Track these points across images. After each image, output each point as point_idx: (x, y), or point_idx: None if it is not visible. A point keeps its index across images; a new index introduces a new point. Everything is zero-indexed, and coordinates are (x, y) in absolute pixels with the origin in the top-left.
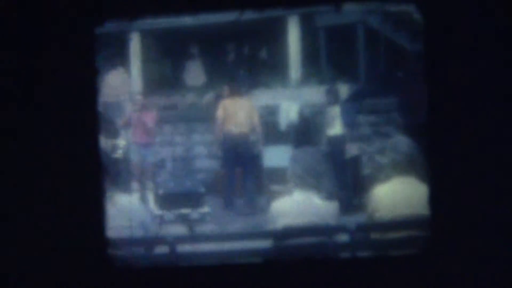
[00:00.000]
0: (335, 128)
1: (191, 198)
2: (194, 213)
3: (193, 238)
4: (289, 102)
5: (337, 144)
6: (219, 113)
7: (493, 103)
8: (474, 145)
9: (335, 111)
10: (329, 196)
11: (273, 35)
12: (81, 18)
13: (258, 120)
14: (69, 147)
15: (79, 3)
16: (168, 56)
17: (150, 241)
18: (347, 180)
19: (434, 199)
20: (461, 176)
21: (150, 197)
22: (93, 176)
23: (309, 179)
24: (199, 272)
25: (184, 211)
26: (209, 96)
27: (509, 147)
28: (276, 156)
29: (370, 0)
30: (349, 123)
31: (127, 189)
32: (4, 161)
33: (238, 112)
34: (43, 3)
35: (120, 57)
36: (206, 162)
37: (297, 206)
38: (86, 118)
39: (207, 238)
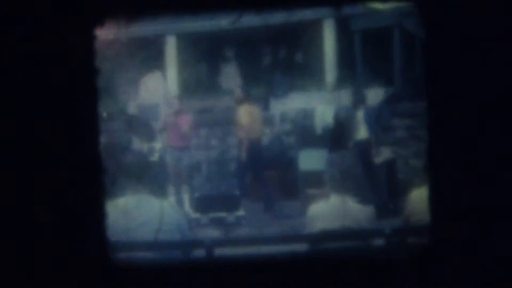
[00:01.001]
0: (361, 132)
1: (226, 201)
2: (229, 217)
3: (230, 241)
4: (325, 106)
5: (364, 148)
6: (247, 118)
7: (495, 104)
8: (475, 146)
9: (361, 115)
10: (365, 200)
11: (309, 39)
12: (81, 18)
13: None
14: (69, 148)
15: (78, 2)
16: (204, 59)
17: (187, 244)
18: (380, 184)
19: (435, 201)
20: (461, 177)
21: (186, 200)
22: (93, 176)
23: (346, 183)
24: (210, 271)
25: (220, 214)
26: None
27: (510, 147)
28: (311, 160)
29: (370, 0)
30: (384, 127)
31: (163, 193)
32: (4, 161)
33: (259, 116)
34: (42, 3)
35: (156, 60)
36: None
37: (334, 210)
38: (86, 119)
39: (244, 241)
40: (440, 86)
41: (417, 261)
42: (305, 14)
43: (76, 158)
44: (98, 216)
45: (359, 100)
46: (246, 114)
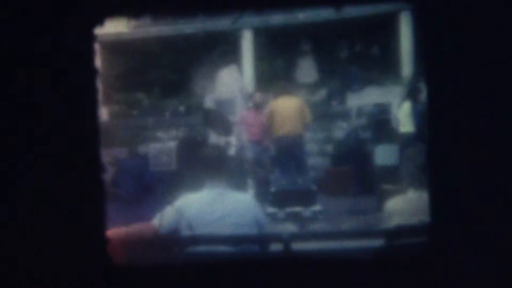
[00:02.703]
0: (407, 125)
1: (303, 196)
2: (306, 211)
3: (308, 236)
4: (401, 100)
5: (407, 142)
6: (268, 118)
7: (495, 105)
8: (476, 147)
9: (409, 108)
10: None
11: (385, 32)
12: (80, 17)
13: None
14: (69, 148)
15: (78, 2)
16: (280, 53)
17: (265, 239)
18: None
19: (435, 203)
20: (462, 179)
21: (263, 195)
22: (93, 175)
23: (422, 177)
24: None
25: (296, 209)
26: (321, 93)
27: (510, 149)
28: (387, 155)
29: (370, 1)
30: None
31: (242, 187)
32: (4, 161)
33: (290, 113)
34: (42, 3)
35: (233, 54)
36: (318, 160)
37: (411, 204)
38: (86, 118)
39: (321, 236)
40: (441, 86)
41: (417, 261)
42: (382, 7)
43: (76, 157)
44: (98, 216)
45: (410, 93)
46: (268, 113)
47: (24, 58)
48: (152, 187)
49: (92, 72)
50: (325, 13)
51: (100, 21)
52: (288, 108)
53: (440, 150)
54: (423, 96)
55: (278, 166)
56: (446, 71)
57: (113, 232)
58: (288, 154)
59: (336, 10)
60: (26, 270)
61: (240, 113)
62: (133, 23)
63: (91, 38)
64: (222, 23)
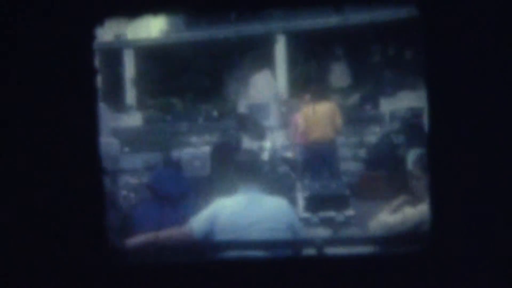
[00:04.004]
0: None
1: (336, 201)
2: (339, 216)
3: (341, 240)
4: None
5: None
6: (302, 121)
7: (496, 105)
8: (477, 148)
9: None
10: None
11: (419, 35)
12: (79, 17)
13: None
14: (68, 148)
15: (78, 2)
16: (313, 57)
17: (297, 244)
18: None
19: (435, 202)
20: (463, 181)
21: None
22: (93, 176)
23: None
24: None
25: (329, 214)
26: (354, 97)
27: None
28: None
29: (370, 0)
30: None
31: (291, 192)
32: (4, 161)
33: (324, 117)
34: (42, 3)
35: (266, 59)
36: (351, 164)
37: None
38: (85, 118)
39: (354, 241)
40: (441, 87)
41: (417, 261)
42: (414, 10)
43: (76, 158)
44: (98, 216)
45: None
46: (302, 117)
47: (23, 57)
48: (186, 194)
49: (92, 72)
50: (357, 17)
51: (100, 21)
52: (320, 112)
53: (441, 152)
54: None
55: (310, 170)
56: (447, 72)
57: (146, 236)
58: (320, 158)
59: (336, 10)
60: (26, 271)
61: (295, 116)
62: (166, 28)
63: (91, 38)
64: (255, 27)
